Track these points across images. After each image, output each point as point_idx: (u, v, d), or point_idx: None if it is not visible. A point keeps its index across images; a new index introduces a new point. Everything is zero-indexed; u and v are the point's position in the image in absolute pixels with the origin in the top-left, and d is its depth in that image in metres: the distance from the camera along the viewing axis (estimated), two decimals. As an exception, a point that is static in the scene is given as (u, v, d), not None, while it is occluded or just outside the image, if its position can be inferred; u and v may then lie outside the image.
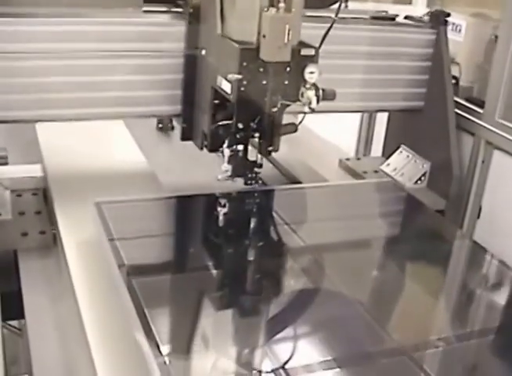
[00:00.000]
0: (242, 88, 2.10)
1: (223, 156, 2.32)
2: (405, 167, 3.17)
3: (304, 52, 2.10)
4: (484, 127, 2.92)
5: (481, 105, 3.02)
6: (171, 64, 2.51)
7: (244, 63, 2.07)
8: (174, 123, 3.52)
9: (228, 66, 2.11)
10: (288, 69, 2.09)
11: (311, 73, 2.08)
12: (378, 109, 3.28)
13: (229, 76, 2.08)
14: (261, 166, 2.37)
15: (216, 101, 2.31)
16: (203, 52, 2.38)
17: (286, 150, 2.83)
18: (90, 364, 1.71)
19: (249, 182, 2.38)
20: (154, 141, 3.46)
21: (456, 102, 3.02)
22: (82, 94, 2.44)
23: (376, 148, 3.83)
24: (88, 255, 2.14)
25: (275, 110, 2.15)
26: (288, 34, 2.01)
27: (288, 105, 2.15)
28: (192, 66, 2.47)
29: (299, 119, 2.30)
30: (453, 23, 3.40)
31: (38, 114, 2.43)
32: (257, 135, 2.24)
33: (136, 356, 1.65)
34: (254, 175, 2.36)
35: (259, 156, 2.33)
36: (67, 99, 2.43)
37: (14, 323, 2.83)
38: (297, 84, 2.11)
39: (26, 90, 2.35)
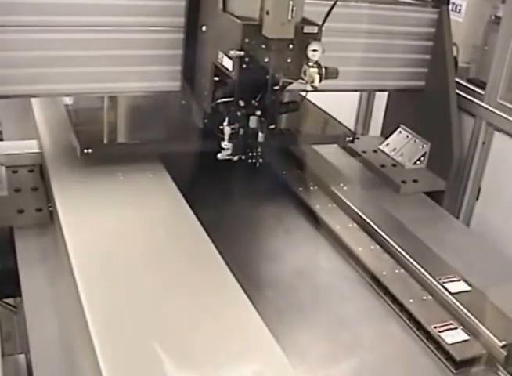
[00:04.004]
0: (244, 65, 2.06)
1: (223, 134, 2.28)
2: (404, 147, 3.15)
3: (308, 29, 2.06)
4: (486, 108, 2.90)
5: (479, 85, 3.00)
6: (170, 39, 2.48)
7: (246, 40, 2.03)
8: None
9: (230, 42, 2.07)
10: (291, 46, 2.05)
11: (314, 51, 2.04)
12: (378, 88, 3.26)
13: (231, 52, 2.04)
14: (262, 144, 2.31)
15: (216, 78, 2.28)
16: (204, 28, 2.34)
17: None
18: (88, 342, 1.70)
19: (250, 160, 2.33)
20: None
21: (457, 83, 3.00)
22: (81, 69, 2.41)
23: (375, 128, 3.81)
24: (85, 232, 2.12)
25: (277, 87, 2.11)
26: (292, 10, 1.97)
27: (290, 83, 2.11)
28: (192, 42, 2.43)
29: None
30: (453, 3, 3.37)
31: (34, 89, 2.40)
32: (258, 112, 2.20)
33: (135, 332, 1.66)
34: (254, 153, 2.32)
35: (260, 134, 2.29)
36: (64, 73, 2.39)
37: (9, 300, 2.81)
38: (299, 61, 2.07)
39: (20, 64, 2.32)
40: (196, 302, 1.83)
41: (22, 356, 2.02)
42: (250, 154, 2.30)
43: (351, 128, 4.05)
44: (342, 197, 2.64)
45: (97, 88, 2.48)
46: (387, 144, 3.21)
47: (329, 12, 2.16)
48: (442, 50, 2.95)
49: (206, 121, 2.41)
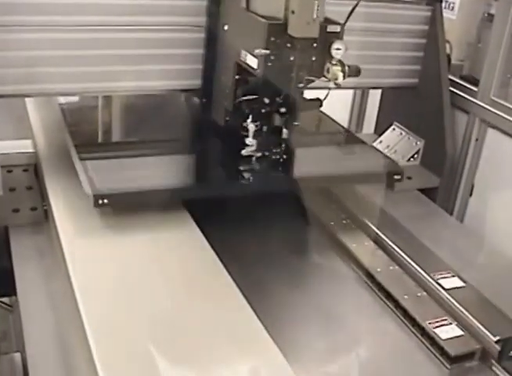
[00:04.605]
0: (269, 64, 2.09)
1: (246, 131, 2.35)
2: (398, 144, 3.16)
3: (330, 28, 2.11)
4: (479, 105, 2.91)
5: (473, 82, 3.01)
6: (191, 38, 2.52)
7: (272, 39, 2.07)
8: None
9: (255, 41, 2.10)
10: (314, 45, 2.10)
11: (338, 49, 2.09)
12: (372, 86, 3.26)
13: (256, 51, 2.07)
14: (285, 141, 2.38)
15: (238, 76, 2.32)
16: (226, 27, 2.38)
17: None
18: (84, 340, 1.70)
19: (273, 157, 2.41)
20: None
21: (451, 80, 3.01)
22: (107, 68, 2.45)
23: (368, 125, 3.82)
24: (80, 231, 2.12)
25: (301, 85, 2.15)
26: (317, 10, 2.02)
27: (312, 80, 2.15)
28: (213, 41, 2.48)
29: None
30: (446, 1, 3.38)
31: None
32: (282, 110, 2.27)
33: (131, 330, 1.66)
34: (278, 149, 2.38)
35: (284, 130, 2.35)
36: (92, 72, 2.44)
37: (4, 299, 2.81)
38: (322, 60, 2.12)
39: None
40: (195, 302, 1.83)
41: (18, 355, 2.03)
42: (274, 151, 2.38)
43: (345, 125, 4.08)
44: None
45: (116, 87, 2.53)
46: (381, 141, 3.22)
47: (351, 12, 2.20)
48: (435, 48, 2.96)
49: (227, 118, 2.44)
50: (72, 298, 1.85)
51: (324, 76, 2.12)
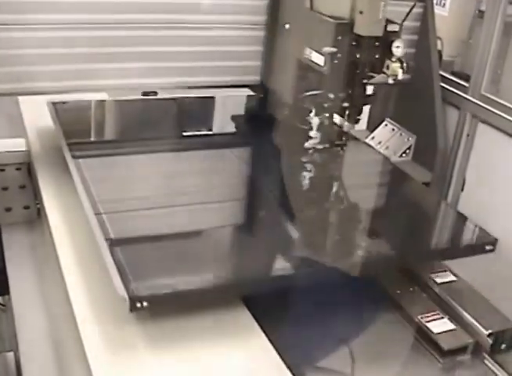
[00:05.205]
0: (335, 61, 2.24)
1: (310, 124, 2.46)
2: (390, 140, 3.17)
3: (390, 27, 2.24)
4: (470, 100, 2.92)
5: (465, 79, 3.02)
6: (252, 36, 2.70)
7: (339, 37, 2.22)
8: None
9: (322, 39, 2.25)
10: (377, 43, 2.23)
11: (398, 47, 2.22)
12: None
13: (324, 49, 2.23)
14: (347, 133, 2.48)
15: (300, 72, 2.46)
16: (287, 25, 2.52)
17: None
18: (77, 339, 1.70)
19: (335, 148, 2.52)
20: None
21: (442, 76, 3.02)
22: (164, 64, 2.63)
23: (360, 121, 3.81)
24: (73, 229, 2.12)
25: (365, 81, 2.28)
26: (383, 10, 2.16)
27: (373, 76, 2.27)
28: (272, 38, 2.64)
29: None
30: (438, -2, 3.40)
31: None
32: (345, 104, 2.35)
33: (123, 329, 1.66)
34: (340, 142, 2.48)
35: (346, 123, 2.42)
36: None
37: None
38: (383, 57, 2.24)
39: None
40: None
41: (11, 354, 2.03)
42: (336, 143, 2.48)
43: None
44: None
45: (174, 82, 2.70)
46: (373, 137, 3.23)
47: (409, 12, 2.35)
48: (427, 44, 2.97)
49: (286, 113, 2.58)
50: (65, 297, 1.85)
51: (384, 72, 2.25)
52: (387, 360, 1.93)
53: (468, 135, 2.96)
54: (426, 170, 2.99)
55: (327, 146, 2.50)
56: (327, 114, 2.45)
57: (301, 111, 2.48)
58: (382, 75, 2.26)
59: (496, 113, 2.80)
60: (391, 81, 2.25)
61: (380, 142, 3.17)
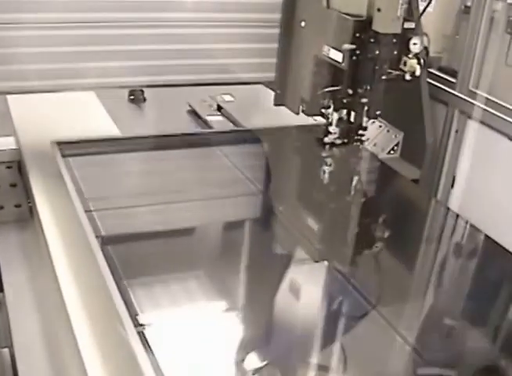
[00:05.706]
0: (354, 57, 2.31)
1: (327, 119, 2.57)
2: (377, 137, 3.18)
3: (407, 25, 2.33)
4: (458, 96, 2.94)
5: (452, 74, 3.03)
6: (267, 34, 2.73)
7: (357, 35, 2.29)
8: (146, 95, 3.53)
9: (340, 36, 2.33)
10: (394, 40, 2.30)
11: (415, 44, 2.31)
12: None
13: (344, 46, 2.29)
14: (365, 129, 2.57)
15: (316, 68, 2.50)
16: (303, 23, 2.56)
17: (261, 119, 2.86)
18: (71, 336, 1.72)
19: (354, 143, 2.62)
20: (126, 112, 3.43)
21: (429, 72, 3.03)
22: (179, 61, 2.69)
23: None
24: (65, 227, 2.13)
25: (384, 77, 2.36)
26: (401, 8, 2.23)
27: (391, 73, 2.35)
28: (288, 36, 2.66)
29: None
30: (423, -7, 3.40)
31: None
32: (364, 100, 2.43)
33: (116, 327, 1.66)
34: (359, 137, 2.58)
35: (365, 119, 2.51)
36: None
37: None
38: (400, 53, 2.33)
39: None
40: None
41: (6, 350, 2.03)
42: (355, 138, 2.59)
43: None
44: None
45: (196, 79, 2.75)
46: (361, 134, 3.24)
47: (424, 10, 2.42)
48: (413, 40, 2.98)
49: (302, 108, 2.64)
50: (59, 294, 1.86)
51: (401, 69, 2.33)
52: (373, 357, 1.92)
53: (457, 132, 2.97)
54: (414, 167, 3.00)
55: (346, 140, 2.59)
56: (346, 110, 2.53)
57: (317, 106, 2.56)
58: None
59: (484, 109, 2.80)
60: (408, 77, 2.34)
61: (367, 139, 3.18)
